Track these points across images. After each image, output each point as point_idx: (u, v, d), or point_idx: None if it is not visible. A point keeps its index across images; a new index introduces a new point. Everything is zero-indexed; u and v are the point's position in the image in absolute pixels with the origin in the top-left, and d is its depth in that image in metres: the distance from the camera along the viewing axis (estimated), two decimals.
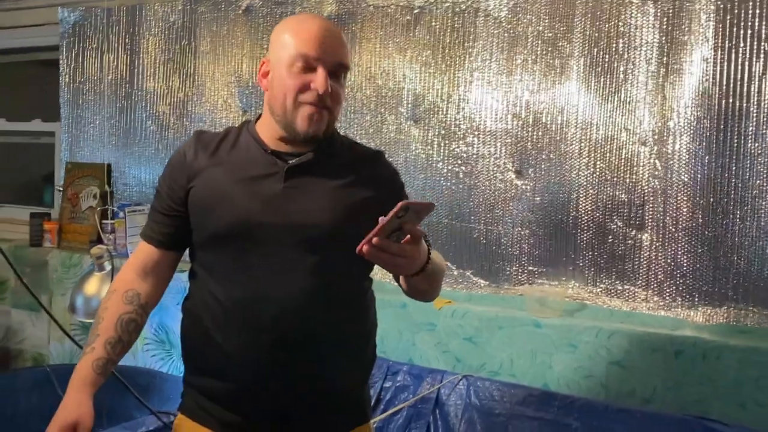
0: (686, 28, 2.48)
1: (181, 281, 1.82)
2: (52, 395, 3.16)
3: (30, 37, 4.17)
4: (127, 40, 3.72)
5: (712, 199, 2.46)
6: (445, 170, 2.89)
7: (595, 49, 2.62)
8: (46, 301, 3.79)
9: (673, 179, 2.50)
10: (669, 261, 2.53)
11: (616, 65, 2.59)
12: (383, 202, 1.63)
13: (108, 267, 2.68)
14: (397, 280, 1.72)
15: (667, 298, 2.53)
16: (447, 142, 2.90)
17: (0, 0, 4.11)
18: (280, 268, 1.59)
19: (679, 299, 2.52)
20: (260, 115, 1.74)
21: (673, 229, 2.51)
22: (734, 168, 2.42)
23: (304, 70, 1.57)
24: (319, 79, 1.56)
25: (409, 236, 1.39)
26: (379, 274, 1.80)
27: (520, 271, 2.77)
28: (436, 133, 2.92)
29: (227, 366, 1.63)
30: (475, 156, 2.84)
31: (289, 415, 1.65)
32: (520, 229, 2.76)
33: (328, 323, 1.64)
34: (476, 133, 2.84)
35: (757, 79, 2.38)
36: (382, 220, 1.33)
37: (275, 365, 1.61)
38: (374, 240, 1.35)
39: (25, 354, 3.92)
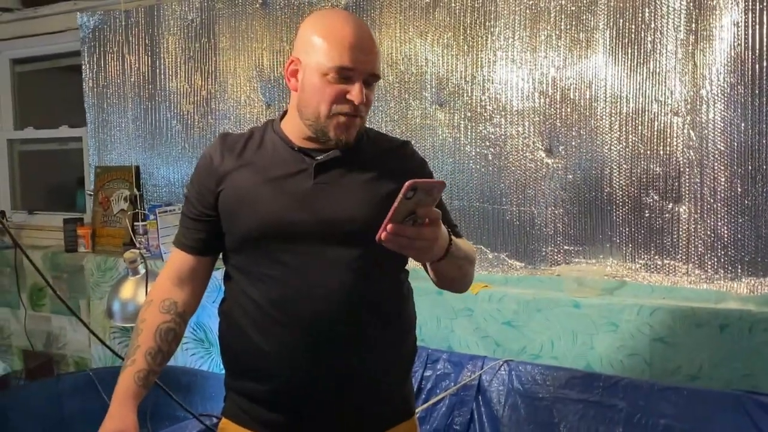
0: None
1: (216, 279, 1.82)
2: (96, 399, 3.19)
3: (51, 44, 4.18)
4: (147, 40, 3.72)
5: (750, 167, 2.39)
6: (474, 153, 2.85)
7: (621, 20, 2.55)
8: (84, 305, 3.83)
9: (709, 149, 2.44)
10: (709, 233, 2.46)
11: (643, 35, 2.52)
12: None
13: (142, 270, 2.68)
14: (427, 271, 1.69)
15: (709, 270, 2.47)
16: (474, 124, 2.85)
17: (19, 9, 4.12)
18: (317, 266, 1.58)
19: (722, 271, 2.46)
20: (284, 113, 1.71)
21: (712, 200, 2.45)
22: None
23: (338, 80, 1.54)
24: (355, 92, 1.54)
25: (426, 220, 1.36)
26: (412, 262, 1.76)
27: (556, 251, 2.72)
28: (463, 116, 2.87)
29: (268, 367, 1.62)
30: (503, 137, 2.79)
31: (332, 412, 1.63)
32: (553, 208, 2.72)
33: (368, 318, 1.62)
34: (503, 113, 2.79)
35: None
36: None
37: (316, 363, 1.59)
38: (388, 226, 1.33)
39: (67, 359, 3.97)
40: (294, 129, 1.65)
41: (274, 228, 1.58)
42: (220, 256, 1.76)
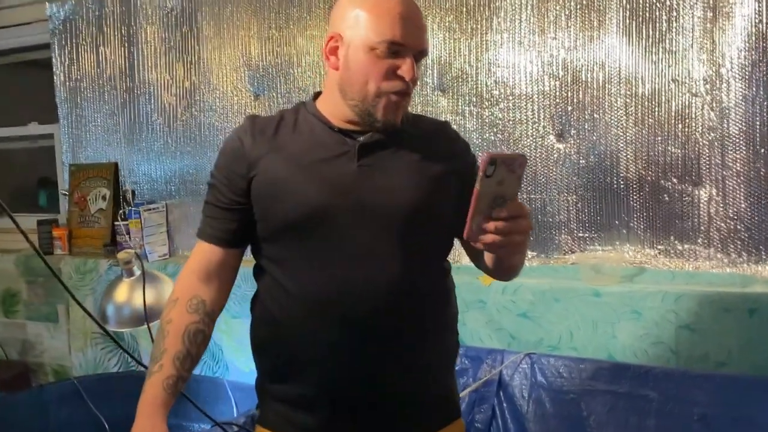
0: None
1: None
2: (82, 408, 3.03)
3: (18, 37, 3.96)
4: (123, 31, 3.53)
5: None
6: (480, 140, 2.74)
7: None
8: (63, 310, 3.65)
9: (730, 129, 2.37)
10: (731, 215, 2.40)
11: (658, 14, 2.44)
12: (461, 174, 1.54)
13: (138, 272, 2.52)
14: (472, 254, 1.60)
15: (732, 254, 2.41)
16: (479, 110, 2.75)
17: None
18: (363, 255, 1.46)
19: (745, 254, 2.39)
20: (317, 94, 1.59)
21: (733, 182, 2.38)
22: None
23: (388, 55, 1.42)
24: (407, 67, 1.43)
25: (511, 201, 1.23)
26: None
27: (570, 238, 2.64)
28: (467, 102, 2.77)
29: (312, 368, 1.50)
30: (511, 122, 2.70)
31: (381, 412, 1.52)
32: (566, 194, 2.63)
33: (417, 311, 1.51)
34: (510, 98, 2.69)
35: None
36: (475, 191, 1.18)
37: (364, 360, 1.48)
38: (485, 223, 1.20)
39: (45, 367, 3.77)
40: (333, 110, 1.52)
41: (315, 215, 1.46)
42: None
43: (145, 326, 2.48)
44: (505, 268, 1.56)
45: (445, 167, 1.54)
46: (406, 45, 1.43)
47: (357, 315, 1.45)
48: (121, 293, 2.55)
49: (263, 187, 1.50)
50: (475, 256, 1.64)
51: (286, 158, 1.49)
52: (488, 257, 1.52)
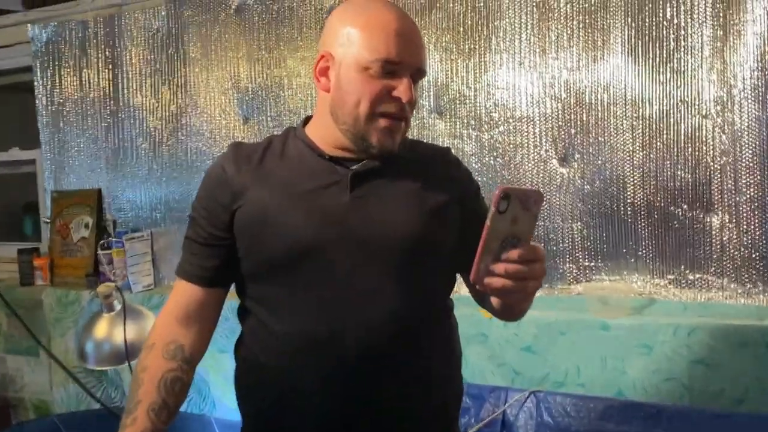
0: None
1: None
2: None
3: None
4: (107, 53, 3.41)
5: None
6: (480, 164, 2.62)
7: (640, 16, 2.36)
8: (43, 343, 3.47)
9: (743, 153, 2.25)
10: (745, 243, 2.27)
11: (665, 32, 2.33)
12: (464, 204, 1.42)
13: (118, 306, 2.39)
14: (477, 295, 1.47)
15: (747, 284, 2.28)
16: (478, 133, 2.63)
17: None
18: (358, 293, 1.33)
19: (761, 284, 2.27)
20: (307, 119, 1.46)
21: (747, 208, 2.26)
22: None
23: (382, 74, 1.30)
24: (403, 88, 1.31)
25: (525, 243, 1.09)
26: None
27: (575, 268, 2.51)
28: (465, 124, 2.65)
29: (302, 414, 1.36)
30: (512, 146, 2.57)
31: None
32: (570, 221, 2.50)
33: (418, 353, 1.38)
34: (511, 120, 2.57)
35: None
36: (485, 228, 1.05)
37: (359, 406, 1.34)
38: (493, 265, 1.07)
39: (25, 402, 3.60)
40: (323, 136, 1.39)
41: (304, 251, 1.32)
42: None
43: (126, 365, 2.35)
44: (512, 312, 1.43)
45: (446, 196, 1.41)
46: (402, 63, 1.31)
47: (351, 359, 1.32)
48: (101, 329, 2.42)
49: (248, 220, 1.37)
50: (479, 295, 1.51)
51: (273, 189, 1.37)
52: (495, 300, 1.39)
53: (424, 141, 1.62)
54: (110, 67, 3.41)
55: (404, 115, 1.34)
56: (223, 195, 1.39)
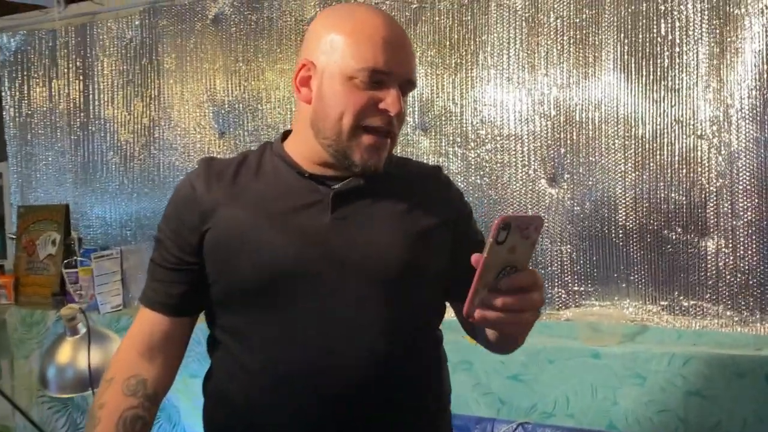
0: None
1: None
2: None
3: None
4: (78, 63, 3.28)
5: None
6: (466, 183, 2.52)
7: (633, 32, 2.27)
8: (6, 366, 3.32)
9: (740, 175, 2.17)
10: (741, 269, 2.18)
11: (659, 49, 2.25)
12: (455, 226, 1.31)
13: (83, 330, 2.24)
14: (468, 326, 1.36)
15: (744, 311, 2.19)
16: (465, 151, 2.53)
17: None
18: (339, 324, 1.21)
19: (758, 313, 2.18)
20: (286, 133, 1.35)
21: (743, 232, 2.17)
22: None
23: (369, 85, 1.19)
24: (391, 99, 1.20)
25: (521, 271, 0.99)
26: None
27: (564, 292, 2.41)
28: (451, 142, 2.55)
29: None
30: (499, 164, 2.48)
31: None
32: (559, 244, 2.40)
33: (403, 392, 1.26)
34: (498, 138, 2.48)
35: None
36: (477, 257, 0.94)
37: None
38: (498, 301, 0.96)
39: None
40: (303, 152, 1.28)
41: (281, 277, 1.21)
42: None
43: (90, 392, 2.21)
44: (506, 345, 1.32)
45: (436, 219, 1.31)
46: (391, 73, 1.20)
47: (331, 399, 1.21)
48: (64, 354, 2.27)
49: (218, 242, 1.25)
50: (470, 326, 1.39)
51: (246, 208, 1.25)
52: (490, 332, 1.28)
53: (411, 159, 1.50)
54: (81, 77, 3.28)
55: (391, 130, 1.24)
56: (191, 215, 1.27)
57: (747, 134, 2.15)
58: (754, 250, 2.16)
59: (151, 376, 1.31)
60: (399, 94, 1.21)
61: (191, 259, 1.28)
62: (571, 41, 2.36)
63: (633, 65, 2.28)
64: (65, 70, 3.32)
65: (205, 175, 1.29)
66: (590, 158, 2.35)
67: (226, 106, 2.95)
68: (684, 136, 2.23)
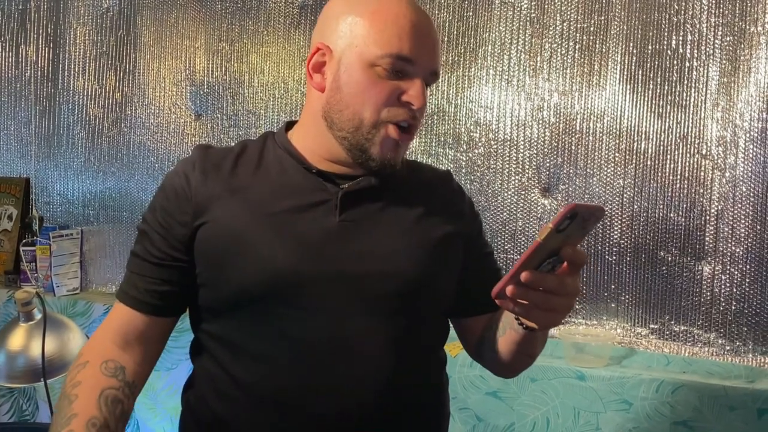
0: (755, 16, 2.06)
1: None
2: None
3: None
4: (49, 29, 3.09)
5: None
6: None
7: (642, 44, 2.18)
8: None
9: (743, 199, 2.08)
10: (737, 296, 2.10)
11: (669, 62, 2.15)
12: (468, 239, 1.21)
13: (38, 316, 2.08)
14: (472, 347, 1.25)
15: (736, 341, 2.11)
16: (455, 153, 2.41)
17: None
18: (342, 341, 1.09)
19: (751, 343, 2.10)
20: (290, 123, 1.22)
21: (742, 259, 2.09)
22: None
23: (391, 74, 1.07)
24: (415, 91, 1.08)
25: (565, 264, 0.91)
26: None
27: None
28: (441, 143, 2.43)
29: None
30: (491, 170, 2.36)
31: None
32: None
33: (405, 417, 1.14)
34: (492, 142, 2.36)
35: None
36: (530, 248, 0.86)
37: None
38: (524, 275, 0.86)
39: None
40: (312, 145, 1.15)
41: (280, 284, 1.08)
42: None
43: (42, 383, 2.05)
44: (524, 357, 1.21)
45: (448, 230, 1.19)
46: (416, 62, 1.08)
47: (326, 423, 1.09)
48: (16, 340, 2.09)
49: (212, 241, 1.11)
50: (477, 347, 1.28)
51: (245, 205, 1.12)
52: (508, 341, 1.16)
53: (424, 163, 1.39)
54: (51, 45, 3.10)
55: (414, 124, 1.12)
56: (184, 209, 1.14)
57: (755, 158, 2.06)
58: (751, 277, 2.08)
59: (129, 366, 1.16)
60: (423, 85, 1.09)
61: (179, 256, 1.15)
62: (577, 47, 2.25)
63: (640, 77, 2.18)
64: (35, 36, 3.13)
65: (201, 165, 1.16)
66: (588, 170, 2.25)
67: (205, 87, 2.80)
68: (688, 155, 2.14)
